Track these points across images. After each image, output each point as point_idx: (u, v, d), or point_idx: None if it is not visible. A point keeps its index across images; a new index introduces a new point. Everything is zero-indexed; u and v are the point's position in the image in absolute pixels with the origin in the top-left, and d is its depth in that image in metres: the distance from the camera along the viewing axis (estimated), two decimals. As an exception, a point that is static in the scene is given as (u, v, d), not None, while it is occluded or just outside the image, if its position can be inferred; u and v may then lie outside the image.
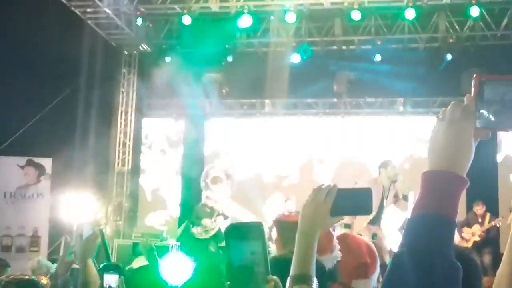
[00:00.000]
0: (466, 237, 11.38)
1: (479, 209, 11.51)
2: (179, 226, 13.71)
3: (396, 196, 8.75)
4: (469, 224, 11.49)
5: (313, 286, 1.89)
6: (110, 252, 7.18)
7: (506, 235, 1.69)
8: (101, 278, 3.27)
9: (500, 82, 1.31)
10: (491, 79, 1.32)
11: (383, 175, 8.65)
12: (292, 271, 1.92)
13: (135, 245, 11.95)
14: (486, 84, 1.31)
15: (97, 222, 14.22)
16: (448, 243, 1.33)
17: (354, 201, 1.94)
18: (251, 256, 2.00)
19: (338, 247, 2.74)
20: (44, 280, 5.13)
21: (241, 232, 2.09)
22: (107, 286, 3.23)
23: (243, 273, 1.98)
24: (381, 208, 8.53)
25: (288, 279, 1.92)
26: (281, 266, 2.08)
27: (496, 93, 1.30)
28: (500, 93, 1.30)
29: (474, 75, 1.33)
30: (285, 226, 2.68)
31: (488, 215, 11.43)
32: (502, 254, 1.67)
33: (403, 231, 1.39)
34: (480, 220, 11.48)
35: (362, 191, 1.95)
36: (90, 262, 3.47)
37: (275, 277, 1.95)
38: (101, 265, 3.36)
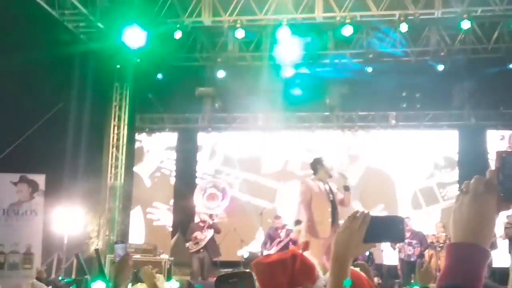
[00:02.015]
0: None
1: None
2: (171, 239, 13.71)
3: (339, 189, 8.76)
4: None
5: None
6: (105, 271, 7.13)
7: None
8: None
9: None
10: (510, 154, 1.39)
11: (321, 171, 8.63)
12: None
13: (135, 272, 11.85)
14: (507, 159, 1.38)
15: (87, 235, 14.17)
16: None
17: (386, 229, 2.02)
18: None
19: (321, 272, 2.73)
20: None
21: (230, 284, 2.10)
22: None
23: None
24: (334, 208, 8.51)
25: None
26: None
27: None
28: None
29: (496, 151, 1.40)
30: (261, 269, 2.69)
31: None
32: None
33: None
34: None
35: (395, 218, 2.03)
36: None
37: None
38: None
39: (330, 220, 8.57)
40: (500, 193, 1.39)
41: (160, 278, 7.86)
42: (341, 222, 8.56)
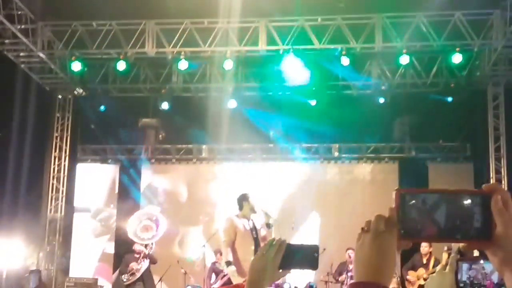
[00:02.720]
0: (411, 279, 11.54)
1: (425, 246, 11.60)
2: (113, 273, 13.46)
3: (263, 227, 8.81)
4: (414, 267, 11.63)
5: None
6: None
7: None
8: None
9: (418, 194, 1.40)
10: (409, 192, 1.40)
11: (245, 207, 8.71)
12: None
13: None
14: (406, 196, 1.39)
15: (27, 269, 13.81)
16: None
17: (301, 256, 2.07)
18: None
19: None
20: None
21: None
22: None
23: None
24: (257, 246, 8.55)
25: None
26: None
27: (415, 204, 1.39)
28: (419, 204, 1.39)
29: (395, 189, 1.40)
30: None
31: (433, 258, 11.59)
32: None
33: None
34: (425, 262, 11.63)
35: (309, 247, 2.08)
36: None
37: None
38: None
39: (252, 258, 8.52)
40: (400, 230, 1.40)
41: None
42: None
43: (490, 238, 1.33)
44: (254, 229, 8.61)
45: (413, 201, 1.39)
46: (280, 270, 2.06)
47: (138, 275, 11.70)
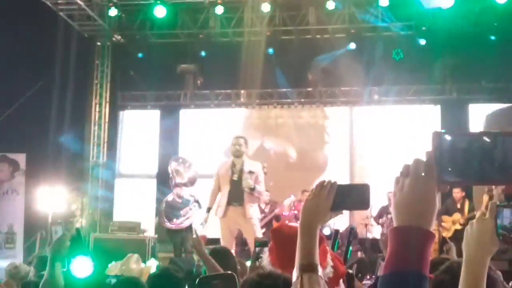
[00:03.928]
0: (446, 226, 11.38)
1: (457, 192, 11.41)
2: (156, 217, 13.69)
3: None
4: (448, 212, 11.47)
5: (319, 274, 1.97)
6: (88, 249, 7.12)
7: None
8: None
9: (456, 137, 1.39)
10: (448, 134, 1.39)
11: (231, 148, 8.68)
12: (299, 261, 2.00)
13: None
14: (444, 139, 1.38)
15: (72, 213, 14.15)
16: None
17: (353, 197, 2.05)
18: None
19: (331, 263, 2.70)
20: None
21: (212, 286, 2.11)
22: None
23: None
24: (235, 189, 8.50)
25: (296, 269, 1.99)
26: None
27: (453, 147, 1.38)
28: (457, 147, 1.37)
29: (432, 132, 1.40)
30: (282, 237, 2.67)
31: (467, 202, 11.41)
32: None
33: None
34: (459, 206, 11.47)
35: (361, 186, 2.06)
36: (58, 264, 3.52)
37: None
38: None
39: (225, 201, 8.51)
40: (438, 174, 1.39)
41: (134, 258, 7.85)
42: (252, 206, 8.60)
43: None
44: (239, 171, 8.49)
45: (451, 144, 1.37)
46: (332, 211, 2.06)
47: (187, 223, 11.72)
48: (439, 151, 1.39)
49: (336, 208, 2.05)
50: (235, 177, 8.42)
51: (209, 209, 8.65)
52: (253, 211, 8.57)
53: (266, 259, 2.68)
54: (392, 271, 1.41)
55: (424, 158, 1.43)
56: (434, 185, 1.42)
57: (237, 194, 8.43)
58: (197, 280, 2.88)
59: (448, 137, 1.39)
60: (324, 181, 2.07)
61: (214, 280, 2.59)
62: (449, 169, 1.38)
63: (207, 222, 8.62)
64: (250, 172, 8.54)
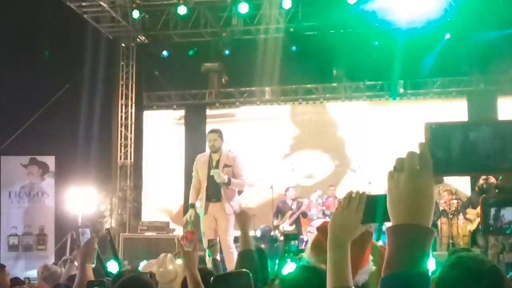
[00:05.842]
0: (471, 218, 11.30)
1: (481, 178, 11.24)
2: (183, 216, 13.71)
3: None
4: (472, 205, 11.35)
5: None
6: (117, 251, 7.17)
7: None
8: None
9: (449, 128, 1.34)
10: (440, 125, 1.34)
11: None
12: (331, 283, 1.88)
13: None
14: (436, 130, 1.34)
15: (101, 214, 14.28)
16: None
17: (383, 208, 1.94)
18: None
19: (371, 257, 2.66)
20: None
21: (227, 283, 2.08)
22: None
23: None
24: (211, 185, 8.43)
25: None
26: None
27: (446, 138, 1.33)
28: (450, 137, 1.33)
29: (425, 122, 1.34)
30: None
31: None
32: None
33: None
34: None
35: None
36: (89, 266, 3.58)
37: None
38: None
39: (204, 197, 8.41)
40: (433, 166, 1.34)
41: (168, 258, 7.89)
42: (233, 201, 8.51)
43: None
44: (212, 168, 8.39)
45: (445, 134, 1.33)
46: (363, 225, 1.91)
47: None
48: (432, 142, 1.34)
49: (367, 221, 1.90)
50: (212, 173, 8.38)
51: (192, 205, 8.56)
52: (234, 208, 8.45)
53: (308, 253, 2.64)
54: (394, 272, 1.35)
55: (417, 151, 1.37)
56: (431, 179, 1.36)
57: (214, 190, 8.39)
58: (212, 278, 2.88)
59: (441, 128, 1.34)
60: (351, 192, 1.93)
61: (228, 279, 2.58)
62: (444, 160, 1.33)
63: (192, 218, 8.50)
64: (226, 166, 8.41)
